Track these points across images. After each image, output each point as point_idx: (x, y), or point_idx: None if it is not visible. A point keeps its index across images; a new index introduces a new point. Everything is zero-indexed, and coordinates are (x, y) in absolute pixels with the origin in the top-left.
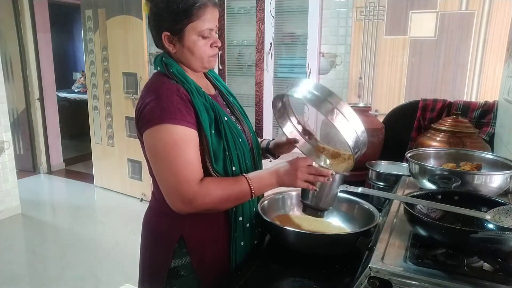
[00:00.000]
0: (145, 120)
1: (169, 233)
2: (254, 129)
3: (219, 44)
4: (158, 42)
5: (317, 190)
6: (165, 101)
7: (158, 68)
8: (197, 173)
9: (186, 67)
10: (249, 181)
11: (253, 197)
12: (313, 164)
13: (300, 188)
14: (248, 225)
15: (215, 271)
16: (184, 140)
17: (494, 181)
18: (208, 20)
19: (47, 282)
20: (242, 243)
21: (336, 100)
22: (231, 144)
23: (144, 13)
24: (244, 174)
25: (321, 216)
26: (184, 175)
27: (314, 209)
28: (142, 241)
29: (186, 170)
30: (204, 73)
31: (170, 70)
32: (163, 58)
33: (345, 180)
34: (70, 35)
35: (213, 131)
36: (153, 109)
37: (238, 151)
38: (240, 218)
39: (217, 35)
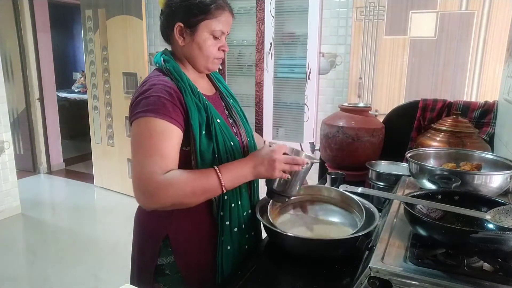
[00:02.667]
0: (133, 112)
1: (156, 231)
2: (252, 133)
3: (227, 49)
4: (167, 33)
5: (289, 177)
6: (152, 95)
7: (157, 64)
8: (164, 166)
9: (187, 65)
10: (219, 173)
11: (224, 190)
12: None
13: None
14: (236, 229)
15: (200, 272)
16: (160, 133)
17: (494, 181)
18: (222, 23)
19: (47, 282)
20: (228, 247)
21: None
22: (221, 146)
23: (144, 12)
24: (215, 166)
25: (286, 202)
26: (149, 165)
27: (282, 196)
28: (133, 237)
29: (153, 161)
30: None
31: (166, 67)
32: (163, 55)
33: (346, 180)
34: (70, 35)
35: (203, 132)
36: (140, 102)
37: (228, 154)
38: (227, 223)
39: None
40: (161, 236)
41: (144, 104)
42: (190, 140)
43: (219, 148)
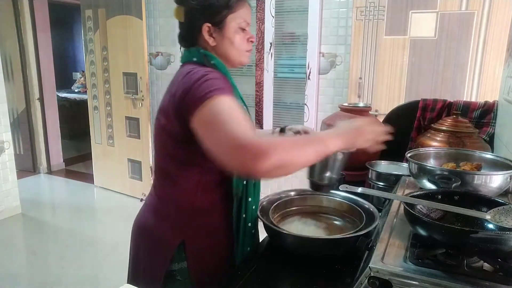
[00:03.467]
0: (193, 98)
1: (170, 238)
2: None
3: (254, 40)
4: (195, 37)
5: (330, 164)
6: (212, 78)
7: (195, 59)
8: (255, 131)
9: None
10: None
11: (329, 146)
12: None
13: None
14: (253, 231)
15: (212, 276)
16: (236, 106)
17: (494, 181)
18: (245, 14)
19: (47, 282)
20: (248, 249)
21: None
22: None
23: (144, 12)
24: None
25: (330, 192)
26: (244, 130)
27: (326, 186)
28: (135, 242)
29: (246, 127)
30: None
31: (211, 62)
32: (202, 50)
33: (346, 180)
34: (70, 35)
35: None
36: (201, 85)
37: None
38: (250, 224)
39: None
40: (175, 243)
41: (208, 85)
42: None
43: None
